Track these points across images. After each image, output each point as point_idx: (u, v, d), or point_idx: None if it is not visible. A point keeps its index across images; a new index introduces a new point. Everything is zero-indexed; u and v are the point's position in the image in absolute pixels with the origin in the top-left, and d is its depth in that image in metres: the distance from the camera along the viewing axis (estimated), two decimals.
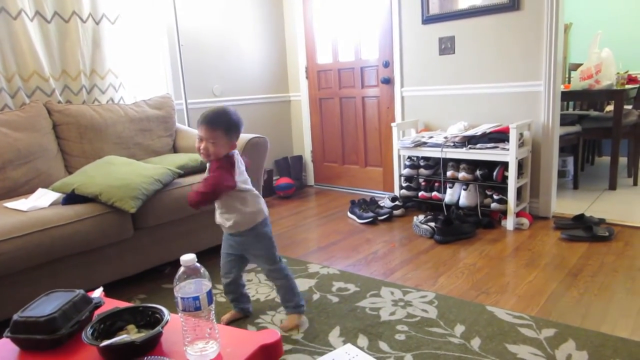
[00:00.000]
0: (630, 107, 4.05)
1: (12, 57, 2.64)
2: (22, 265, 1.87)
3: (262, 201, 1.87)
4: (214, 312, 0.95)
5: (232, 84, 4.00)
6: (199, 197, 1.67)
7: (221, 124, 1.69)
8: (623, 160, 4.26)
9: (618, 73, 3.67)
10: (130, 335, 1.03)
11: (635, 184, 3.79)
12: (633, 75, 4.16)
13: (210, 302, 0.92)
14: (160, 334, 0.99)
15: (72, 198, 2.17)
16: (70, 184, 2.22)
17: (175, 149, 3.13)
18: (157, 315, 1.05)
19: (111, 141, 2.79)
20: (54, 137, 2.66)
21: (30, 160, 2.48)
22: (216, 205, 1.81)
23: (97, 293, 1.24)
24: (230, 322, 1.95)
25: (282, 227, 3.27)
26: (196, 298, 0.90)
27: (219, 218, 1.83)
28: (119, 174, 2.27)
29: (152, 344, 0.99)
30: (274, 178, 4.30)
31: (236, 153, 1.78)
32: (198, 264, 0.94)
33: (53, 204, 2.16)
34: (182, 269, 0.93)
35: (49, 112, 2.67)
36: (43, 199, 2.19)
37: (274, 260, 1.87)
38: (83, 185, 2.18)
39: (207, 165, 1.77)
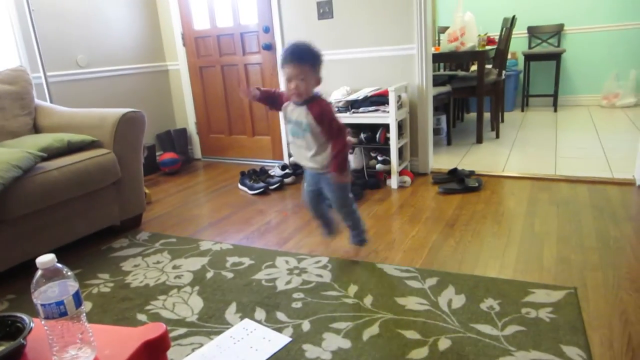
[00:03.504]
0: (490, 66, 4.44)
1: None
2: None
3: None
4: (84, 314, 0.85)
5: (99, 54, 3.62)
6: (344, 153, 1.80)
7: (308, 58, 1.74)
8: (487, 116, 4.70)
9: (479, 35, 3.97)
10: None
11: (497, 136, 4.21)
12: (492, 37, 4.55)
13: (78, 304, 0.82)
14: (22, 345, 0.87)
15: None
16: None
17: (36, 129, 2.77)
18: (18, 325, 0.92)
19: None
20: None
21: None
22: (304, 144, 1.87)
23: None
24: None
25: (169, 205, 3.10)
26: (60, 303, 0.79)
27: (308, 160, 1.89)
28: None
29: (14, 357, 0.87)
30: (157, 154, 4.05)
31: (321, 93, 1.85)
32: (59, 265, 0.83)
33: None
34: (39, 272, 0.81)
35: None
36: None
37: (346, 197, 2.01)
38: None
39: (290, 108, 1.87)
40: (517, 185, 2.92)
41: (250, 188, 3.22)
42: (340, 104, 3.08)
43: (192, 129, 4.30)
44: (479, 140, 4.05)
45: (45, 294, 0.80)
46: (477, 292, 1.75)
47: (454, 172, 3.09)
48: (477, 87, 3.95)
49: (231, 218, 2.78)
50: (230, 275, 2.06)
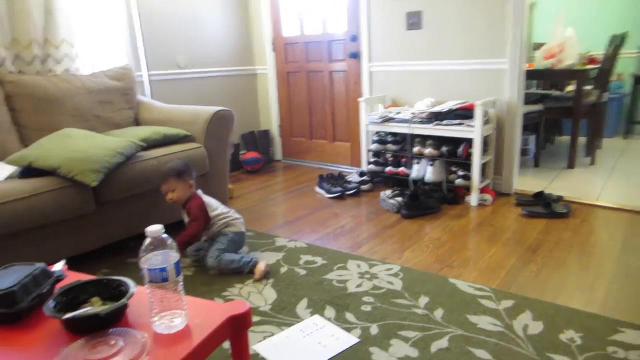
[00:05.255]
0: (590, 87, 4.17)
1: None
2: None
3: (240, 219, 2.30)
4: (182, 283, 0.93)
5: (197, 56, 3.89)
6: (188, 240, 2.14)
7: (171, 172, 2.11)
8: (583, 140, 4.41)
9: (580, 54, 3.75)
10: (95, 307, 1.00)
11: (592, 163, 3.94)
12: (594, 57, 4.27)
13: (178, 273, 0.91)
14: (125, 306, 0.97)
15: (29, 172, 2.08)
16: (26, 157, 2.13)
17: (137, 122, 3.03)
18: (122, 288, 1.03)
19: (69, 113, 2.67)
20: (7, 109, 2.52)
21: None
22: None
23: (59, 266, 1.20)
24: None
25: (249, 202, 3.24)
26: (164, 269, 0.88)
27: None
28: (79, 147, 2.19)
29: (118, 316, 0.97)
30: (241, 152, 4.25)
31: (200, 193, 2.21)
32: (165, 235, 0.92)
33: (9, 177, 2.07)
34: (148, 240, 0.90)
35: (1, 82, 2.52)
36: None
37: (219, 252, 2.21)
38: (40, 159, 2.09)
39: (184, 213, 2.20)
40: (613, 217, 2.71)
41: (328, 192, 3.28)
42: (424, 116, 3.06)
43: (275, 131, 4.46)
44: (571, 165, 3.82)
45: (151, 260, 0.89)
46: (557, 322, 1.66)
47: (540, 195, 2.95)
48: (573, 108, 3.73)
49: (307, 218, 2.85)
50: (303, 272, 2.12)
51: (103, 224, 2.28)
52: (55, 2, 2.81)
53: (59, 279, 1.12)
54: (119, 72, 3.00)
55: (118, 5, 3.27)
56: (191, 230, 2.13)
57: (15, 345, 0.92)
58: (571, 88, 4.37)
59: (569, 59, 3.66)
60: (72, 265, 1.34)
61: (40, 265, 1.11)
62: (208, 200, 2.23)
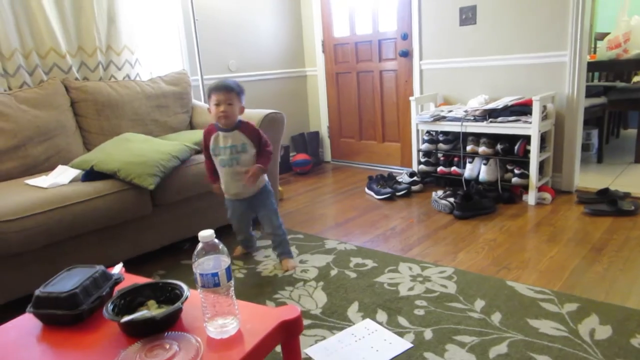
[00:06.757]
0: None
1: (29, 33, 2.64)
2: (43, 241, 1.90)
3: None
4: (233, 288, 0.94)
5: (247, 60, 3.95)
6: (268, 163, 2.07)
7: (234, 87, 1.97)
8: None
9: None
10: (151, 310, 1.03)
11: None
12: None
13: (229, 278, 0.92)
14: (180, 309, 0.99)
15: (91, 175, 2.18)
16: (89, 160, 2.24)
17: (192, 126, 3.12)
18: (177, 291, 1.05)
19: (128, 118, 2.79)
20: (72, 114, 2.67)
21: (49, 138, 2.49)
22: (238, 169, 2.04)
23: (117, 269, 1.24)
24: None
25: (299, 204, 3.26)
26: (215, 274, 0.89)
27: (238, 188, 2.09)
28: (137, 151, 2.28)
29: (173, 319, 0.99)
30: (291, 154, 4.28)
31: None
32: (217, 240, 0.93)
33: (73, 180, 2.18)
34: (200, 245, 0.92)
35: (67, 89, 2.67)
36: (63, 175, 2.21)
37: (278, 214, 2.23)
38: (102, 162, 2.19)
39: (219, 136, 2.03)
40: None
41: (377, 193, 3.24)
42: (477, 113, 2.95)
43: (324, 132, 4.47)
44: (638, 159, 3.57)
45: (202, 265, 0.90)
46: (627, 326, 1.55)
47: (604, 192, 2.77)
48: None
49: (356, 220, 2.83)
50: (353, 275, 2.09)
51: (159, 226, 2.36)
52: (118, 11, 2.96)
53: (118, 281, 1.17)
54: (175, 77, 3.11)
55: (175, 13, 3.39)
56: (269, 155, 2.07)
57: (76, 346, 0.96)
58: (638, 79, 4.09)
59: (636, 48, 3.43)
60: (129, 266, 1.39)
61: (100, 267, 1.16)
62: None
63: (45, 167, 2.46)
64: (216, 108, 1.94)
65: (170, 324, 0.98)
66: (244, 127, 2.03)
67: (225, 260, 0.92)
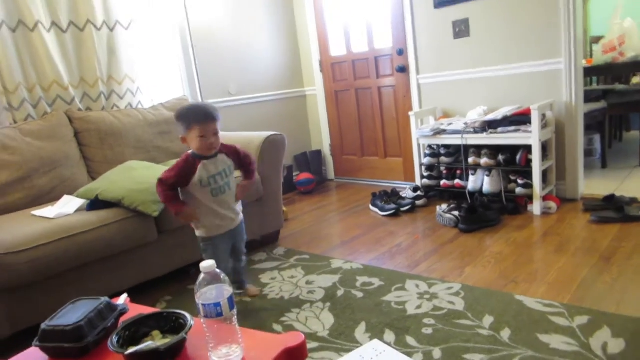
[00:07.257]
0: None
1: (32, 68, 2.69)
2: (50, 271, 1.91)
3: None
4: (236, 317, 0.94)
5: (247, 82, 3.99)
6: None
7: (216, 114, 1.81)
8: None
9: None
10: (155, 341, 1.03)
11: None
12: None
13: (231, 307, 0.92)
14: (184, 339, 0.99)
15: (96, 204, 2.20)
16: (94, 189, 2.26)
17: None
18: (181, 321, 1.06)
19: (131, 145, 2.82)
20: (76, 144, 2.71)
21: (54, 168, 2.52)
22: (230, 195, 1.94)
23: (122, 299, 1.25)
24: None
25: (304, 223, 3.26)
26: (217, 304, 0.89)
27: (234, 211, 1.98)
28: (141, 178, 2.30)
29: (177, 349, 0.99)
30: (294, 174, 4.29)
31: None
32: (218, 270, 0.94)
33: (78, 210, 2.20)
34: (202, 276, 0.92)
35: (70, 120, 2.71)
36: (69, 205, 2.23)
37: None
38: (106, 191, 2.21)
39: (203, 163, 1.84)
40: None
41: (382, 209, 3.24)
42: (477, 125, 2.96)
43: (326, 150, 4.49)
44: None
45: (205, 295, 0.90)
46: None
47: (611, 198, 2.76)
48: None
49: (362, 238, 2.82)
50: (360, 294, 2.08)
51: (164, 252, 2.36)
52: (118, 42, 3.02)
53: (122, 312, 1.17)
54: (176, 103, 3.15)
55: (174, 40, 3.44)
56: (254, 167, 2.06)
57: None
58: (637, 80, 4.10)
59: (632, 50, 3.45)
60: (136, 293, 1.40)
61: (104, 299, 1.16)
62: None
63: (51, 197, 2.48)
64: (201, 140, 1.76)
65: (175, 353, 0.98)
66: (224, 149, 1.91)
67: (227, 290, 0.92)
